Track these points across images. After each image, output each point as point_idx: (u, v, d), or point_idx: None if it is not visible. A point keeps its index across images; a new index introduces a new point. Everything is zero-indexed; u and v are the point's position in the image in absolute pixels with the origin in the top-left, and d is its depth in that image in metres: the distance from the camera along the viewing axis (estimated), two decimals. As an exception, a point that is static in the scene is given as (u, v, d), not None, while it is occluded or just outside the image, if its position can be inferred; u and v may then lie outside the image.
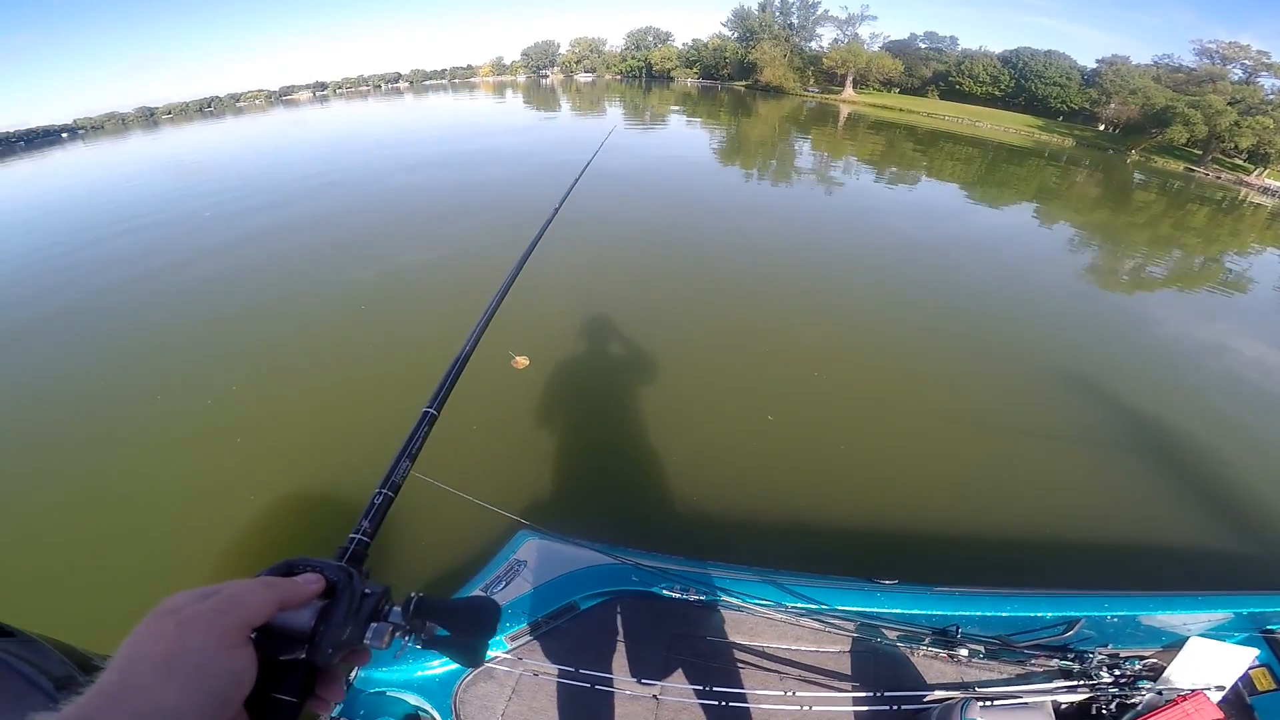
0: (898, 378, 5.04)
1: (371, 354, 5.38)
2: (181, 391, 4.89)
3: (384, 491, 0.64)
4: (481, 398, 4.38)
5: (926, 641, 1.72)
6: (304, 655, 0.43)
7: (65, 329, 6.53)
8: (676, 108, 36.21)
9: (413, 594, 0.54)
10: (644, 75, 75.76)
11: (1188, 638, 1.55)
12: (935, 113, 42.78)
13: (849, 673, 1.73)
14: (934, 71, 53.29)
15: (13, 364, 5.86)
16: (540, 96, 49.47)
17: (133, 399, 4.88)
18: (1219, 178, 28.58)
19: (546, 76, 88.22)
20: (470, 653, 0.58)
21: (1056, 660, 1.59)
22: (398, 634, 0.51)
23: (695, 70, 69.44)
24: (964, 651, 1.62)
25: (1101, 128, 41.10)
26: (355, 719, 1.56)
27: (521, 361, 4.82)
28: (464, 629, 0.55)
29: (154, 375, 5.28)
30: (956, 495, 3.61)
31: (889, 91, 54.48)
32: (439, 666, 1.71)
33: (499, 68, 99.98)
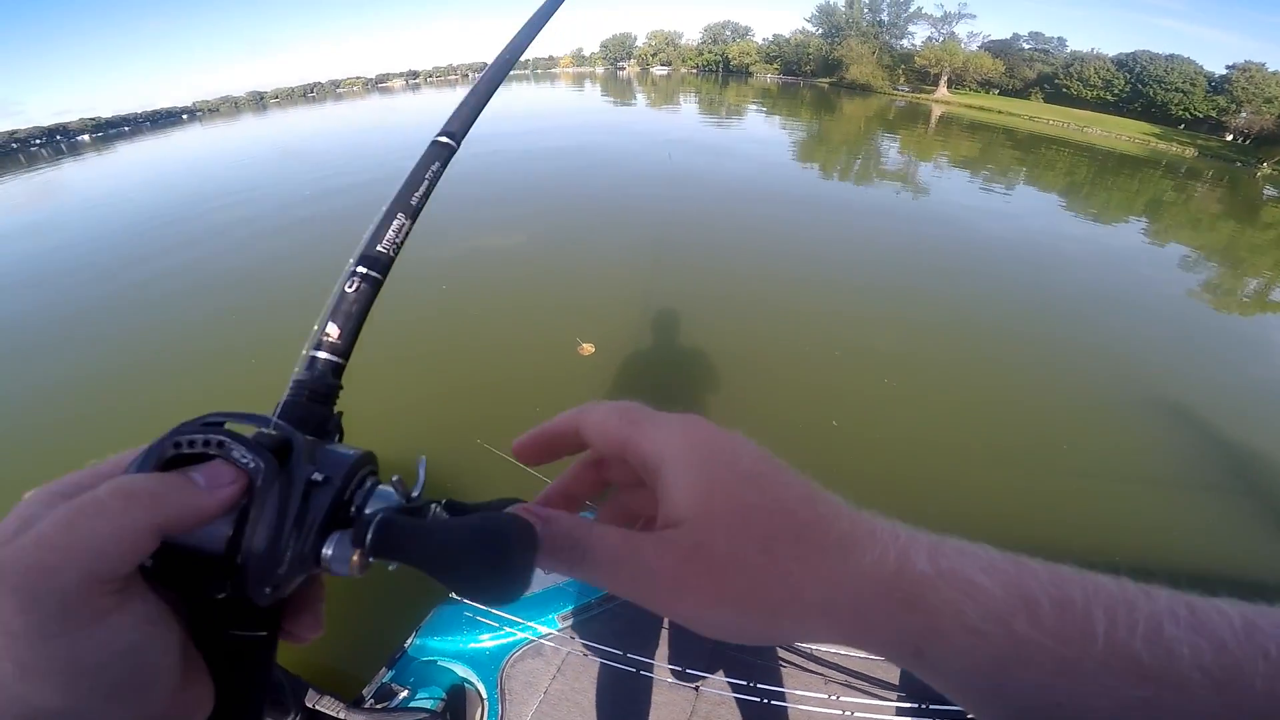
0: (974, 394, 4.78)
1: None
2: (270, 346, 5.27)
3: (360, 271, 0.36)
4: (546, 381, 4.49)
5: None
6: (229, 594, 0.26)
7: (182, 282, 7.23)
8: (755, 103, 35.54)
9: (441, 503, 0.32)
10: (721, 70, 74.81)
11: None
12: (1038, 116, 39.86)
13: (896, 683, 1.68)
14: (1038, 73, 49.80)
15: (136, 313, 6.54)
16: (617, 89, 49.86)
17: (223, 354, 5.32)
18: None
19: (623, 69, 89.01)
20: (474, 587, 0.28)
21: None
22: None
23: (776, 66, 67.87)
24: None
25: (1229, 138, 37.02)
26: (405, 685, 1.60)
27: (588, 349, 4.88)
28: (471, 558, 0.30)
29: (246, 333, 5.73)
30: (1024, 515, 3.46)
31: (987, 93, 51.29)
32: (489, 640, 1.74)
33: (579, 59, 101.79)
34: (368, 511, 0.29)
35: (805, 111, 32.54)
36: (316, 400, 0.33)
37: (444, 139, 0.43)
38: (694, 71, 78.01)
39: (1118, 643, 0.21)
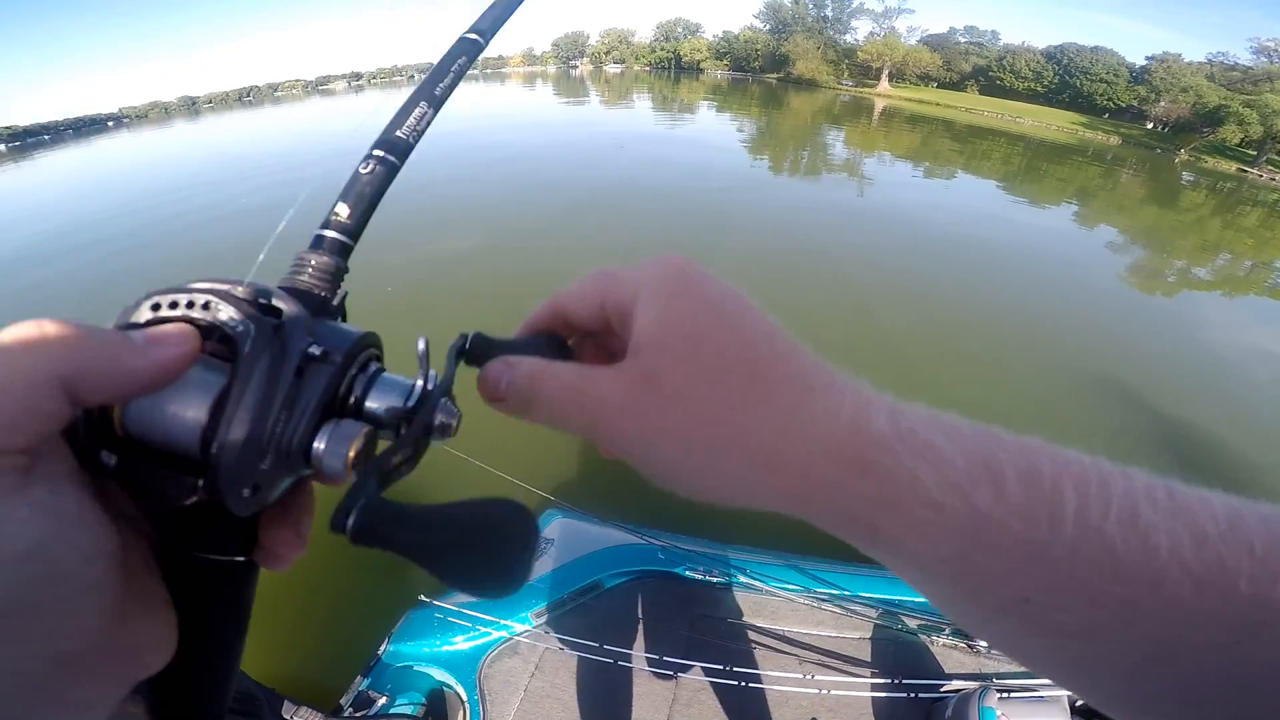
0: (918, 375, 4.95)
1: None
2: None
3: (377, 154, 0.34)
4: None
5: (947, 631, 1.73)
6: (200, 497, 0.21)
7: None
8: (707, 99, 35.91)
9: (466, 334, 0.30)
10: (673, 67, 75.30)
11: None
12: (974, 108, 41.60)
13: (868, 659, 1.74)
14: (974, 66, 51.89)
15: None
16: (570, 88, 49.53)
17: None
18: (1274, 179, 27.23)
19: (576, 67, 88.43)
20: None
21: None
22: (382, 435, 0.25)
23: (726, 62, 68.75)
24: (984, 643, 1.57)
25: (1150, 126, 39.53)
26: (382, 692, 1.57)
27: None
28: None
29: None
30: None
31: (926, 86, 53.16)
32: (464, 642, 1.72)
33: (530, 58, 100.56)
34: (369, 405, 0.25)
35: (755, 107, 33.04)
36: (319, 277, 0.29)
37: (473, 35, 0.41)
38: (647, 69, 78.18)
39: (1089, 525, 0.19)
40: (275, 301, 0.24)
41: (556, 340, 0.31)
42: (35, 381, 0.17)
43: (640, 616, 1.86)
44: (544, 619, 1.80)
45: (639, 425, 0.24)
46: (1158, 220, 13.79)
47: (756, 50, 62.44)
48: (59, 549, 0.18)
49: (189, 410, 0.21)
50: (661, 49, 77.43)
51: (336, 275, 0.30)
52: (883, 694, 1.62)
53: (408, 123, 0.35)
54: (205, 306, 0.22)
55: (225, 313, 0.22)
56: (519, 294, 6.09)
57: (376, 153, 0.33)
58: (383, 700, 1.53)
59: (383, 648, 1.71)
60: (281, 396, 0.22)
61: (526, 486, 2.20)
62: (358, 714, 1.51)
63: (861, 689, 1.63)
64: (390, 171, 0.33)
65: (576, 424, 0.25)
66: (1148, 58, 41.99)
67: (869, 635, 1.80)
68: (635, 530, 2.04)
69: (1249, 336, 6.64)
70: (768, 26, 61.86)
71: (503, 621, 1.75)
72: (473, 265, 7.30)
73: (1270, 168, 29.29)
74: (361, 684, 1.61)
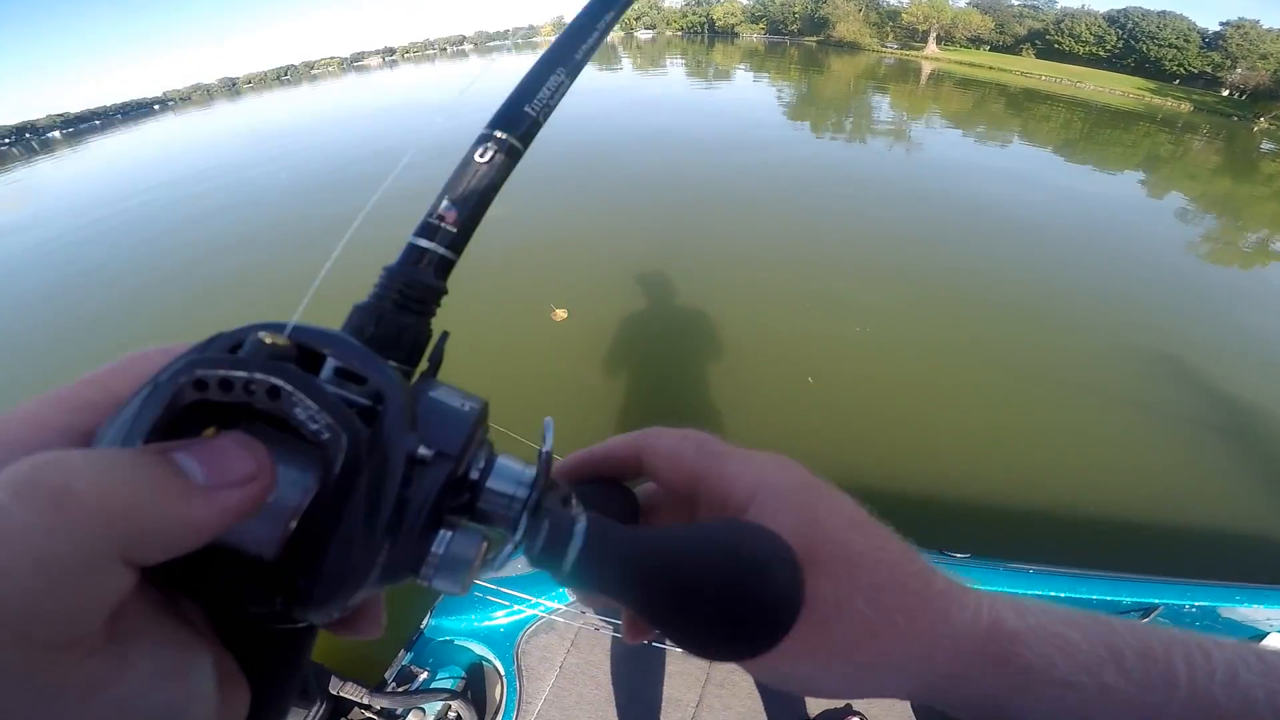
0: (972, 344, 4.73)
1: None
2: None
3: (496, 135, 0.26)
4: (517, 348, 4.44)
5: None
6: (278, 610, 0.18)
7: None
8: (743, 65, 34.72)
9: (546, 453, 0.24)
10: (706, 31, 73.09)
11: (1266, 634, 1.50)
12: (1030, 72, 39.22)
13: None
14: (1029, 30, 48.92)
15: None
16: (600, 55, 48.50)
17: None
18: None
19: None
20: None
21: None
22: (497, 546, 0.22)
23: (761, 26, 66.28)
24: None
25: (1226, 93, 36.73)
26: (424, 666, 1.59)
27: (560, 314, 4.76)
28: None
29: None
30: (1032, 468, 3.41)
31: (977, 49, 50.28)
32: (503, 618, 1.74)
33: (560, 26, 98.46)
34: (483, 504, 0.21)
35: (794, 71, 31.81)
36: (409, 306, 0.23)
37: None
38: (679, 34, 76.10)
39: (1199, 689, 0.22)
40: (369, 378, 0.19)
41: (629, 500, 0.28)
42: (84, 569, 0.14)
43: None
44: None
45: (795, 647, 0.23)
46: (1233, 189, 12.77)
47: (794, 13, 59.99)
48: (179, 701, 0.16)
49: (271, 517, 0.17)
50: (694, 13, 75.16)
51: (430, 303, 0.24)
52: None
53: (539, 95, 0.27)
54: (273, 394, 0.17)
55: (302, 410, 0.17)
56: (537, 261, 6.11)
57: (498, 134, 0.26)
58: (424, 675, 1.55)
59: (425, 622, 1.74)
60: (384, 520, 0.18)
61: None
62: (399, 688, 1.52)
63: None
64: (513, 159, 0.26)
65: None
66: (1222, 23, 39.43)
67: None
68: None
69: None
70: (806, -12, 59.25)
71: (539, 599, 1.75)
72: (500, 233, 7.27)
73: (1361, 133, 26.89)
74: (405, 658, 1.62)
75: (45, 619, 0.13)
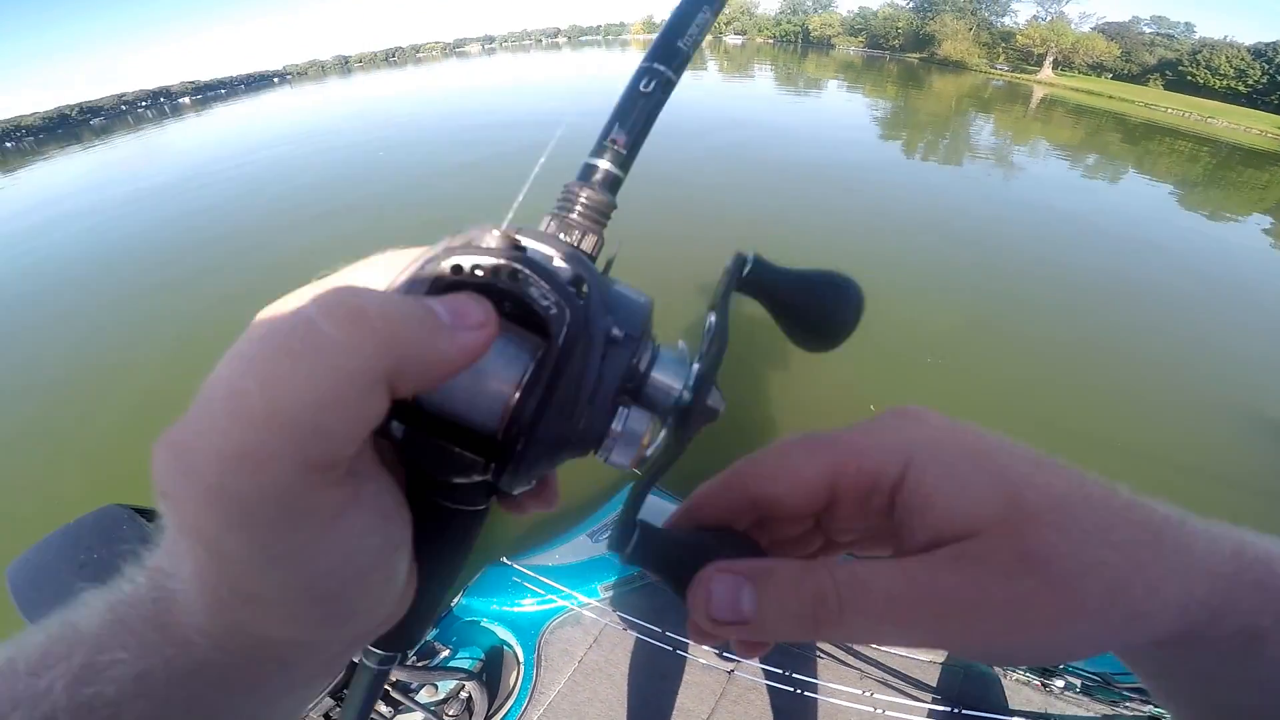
0: (1048, 389, 4.38)
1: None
2: None
3: (655, 68, 0.29)
4: None
5: (1023, 666, 1.60)
6: (488, 476, 0.20)
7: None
8: (837, 78, 33.81)
9: (748, 254, 0.26)
10: (800, 41, 71.73)
11: None
12: (1155, 104, 36.10)
13: (933, 684, 1.63)
14: (1159, 59, 45.18)
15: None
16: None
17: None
18: None
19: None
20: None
21: (1150, 708, 1.49)
22: (664, 429, 0.23)
23: (860, 39, 64.33)
24: (1059, 683, 1.54)
25: (1389, 137, 32.50)
26: (448, 644, 1.62)
27: None
28: (813, 318, 0.27)
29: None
30: None
31: (1098, 76, 46.86)
32: (532, 605, 1.77)
33: (649, 26, 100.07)
34: (650, 389, 0.23)
35: (890, 88, 30.69)
36: (593, 218, 0.27)
37: None
38: (770, 42, 75.09)
39: None
40: (572, 267, 0.22)
41: (746, 541, 0.26)
42: (364, 386, 0.16)
43: None
44: (610, 594, 1.80)
45: (1038, 616, 0.20)
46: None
47: (897, 27, 57.87)
48: (385, 548, 0.18)
49: (494, 390, 0.20)
50: (788, 22, 73.92)
51: (607, 214, 0.27)
52: None
53: (689, 31, 0.29)
54: (513, 277, 0.20)
55: (536, 289, 0.20)
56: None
57: (658, 66, 0.29)
58: (445, 652, 1.57)
59: (456, 600, 1.78)
60: (590, 387, 0.21)
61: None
62: (419, 662, 1.54)
63: (918, 714, 1.53)
64: (667, 89, 0.29)
65: (922, 637, 0.22)
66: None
67: (940, 659, 1.68)
68: None
69: None
70: (911, 4, 57.09)
71: (571, 591, 1.75)
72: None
73: None
74: (430, 633, 1.65)
75: (325, 435, 0.15)
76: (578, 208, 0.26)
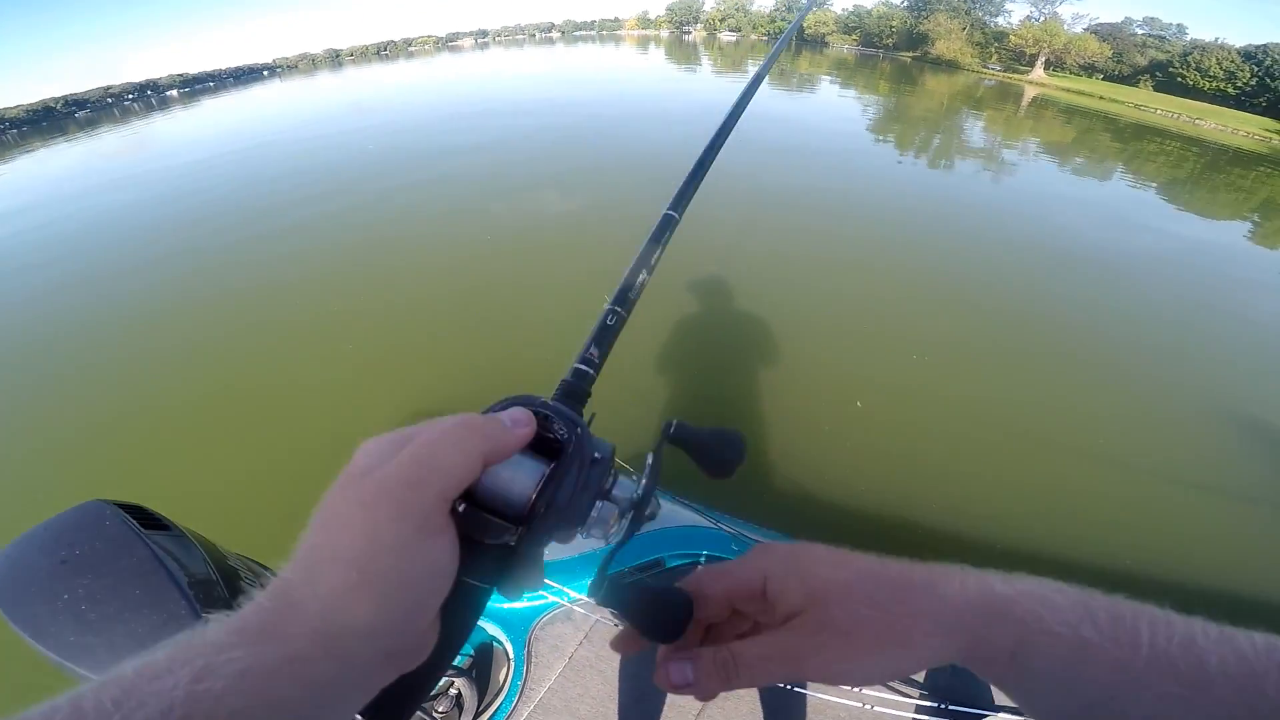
0: (1036, 392, 4.44)
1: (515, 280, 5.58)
2: (323, 300, 5.38)
3: (616, 310, 0.49)
4: (570, 335, 4.43)
5: None
6: (513, 541, 0.31)
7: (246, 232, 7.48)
8: (830, 75, 33.83)
9: (669, 420, 0.41)
10: (794, 38, 71.54)
11: None
12: (1145, 105, 36.36)
13: (920, 678, 1.65)
14: (1150, 60, 45.43)
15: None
16: (680, 53, 48.46)
17: (293, 304, 5.48)
18: None
19: (690, 33, 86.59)
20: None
21: None
22: (623, 519, 0.37)
23: (854, 37, 64.38)
24: None
25: (1375, 140, 32.88)
26: None
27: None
28: (712, 462, 0.42)
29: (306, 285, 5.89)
30: (1082, 523, 3.23)
31: (1089, 77, 47.11)
32: (522, 601, 1.75)
33: (644, 22, 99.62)
34: (614, 494, 0.37)
35: (883, 85, 30.76)
36: (574, 399, 0.42)
37: (671, 212, 0.59)
38: (764, 38, 74.99)
39: (1159, 649, 0.27)
40: (575, 420, 0.36)
41: (683, 597, 0.38)
42: (474, 454, 0.29)
43: None
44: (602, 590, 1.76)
45: (836, 655, 0.32)
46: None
47: (891, 26, 57.95)
48: (446, 570, 0.28)
49: (524, 485, 0.32)
50: (783, 19, 73.82)
51: (585, 397, 0.43)
52: (925, 716, 1.55)
53: (635, 284, 0.51)
54: (545, 421, 0.34)
55: (557, 426, 0.34)
56: (591, 254, 6.09)
57: (616, 308, 0.48)
58: None
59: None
60: (582, 483, 0.33)
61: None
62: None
63: (905, 709, 1.55)
64: (621, 322, 0.48)
65: (779, 673, 0.33)
66: (1385, 64, 35.05)
67: None
68: (707, 513, 1.97)
69: None
70: (905, 2, 57.15)
71: (562, 587, 1.73)
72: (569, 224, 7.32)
73: None
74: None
75: (454, 479, 0.28)
76: (573, 391, 0.42)
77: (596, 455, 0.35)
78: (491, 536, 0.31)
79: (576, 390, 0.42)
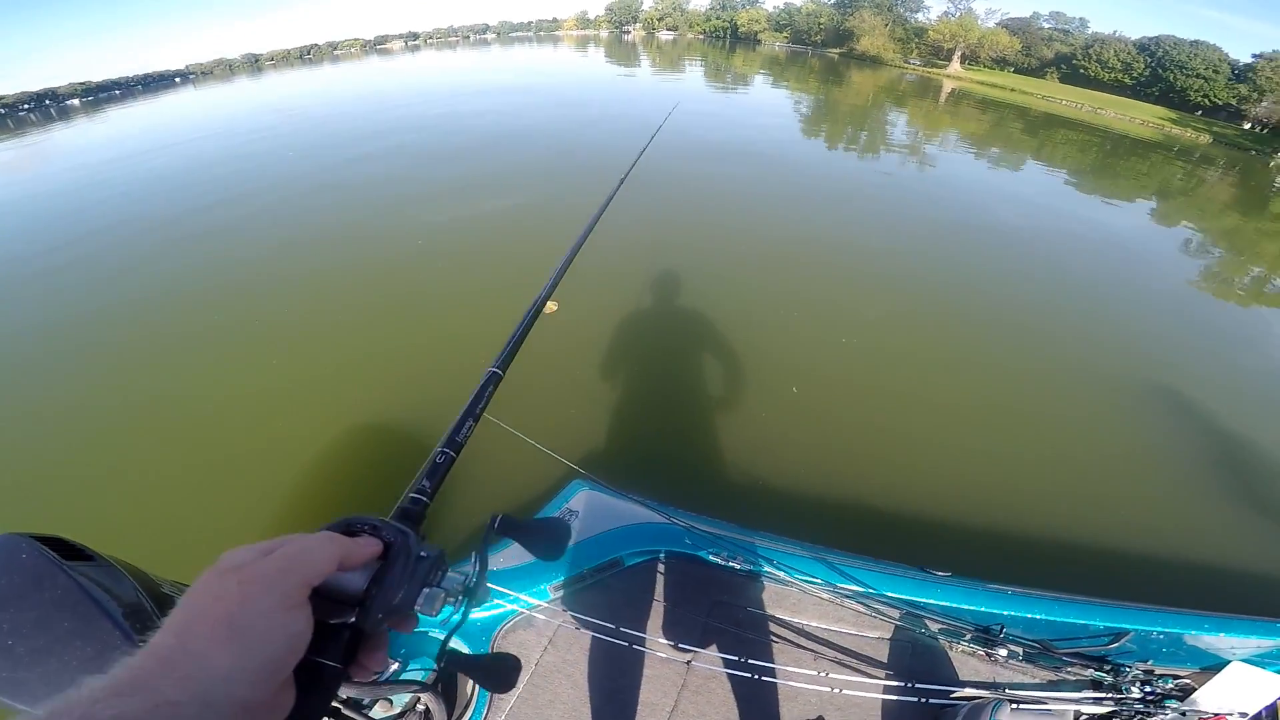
0: (960, 362, 4.77)
1: (437, 304, 5.52)
2: (239, 334, 5.14)
3: (445, 451, 0.60)
4: (532, 345, 4.45)
5: (967, 638, 1.66)
6: (353, 619, 0.40)
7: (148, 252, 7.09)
8: (762, 72, 34.64)
9: (495, 515, 0.54)
10: (728, 36, 73.08)
11: (1229, 661, 1.49)
12: (1052, 96, 38.95)
13: (884, 660, 1.69)
14: (1056, 53, 48.71)
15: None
16: (620, 53, 48.47)
17: (202, 336, 5.22)
18: (1388, 190, 24.68)
19: (629, 33, 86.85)
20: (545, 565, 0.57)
21: (1091, 670, 1.55)
22: (449, 600, 0.48)
23: (785, 34, 66.16)
24: (1003, 652, 1.60)
25: (1247, 126, 36.40)
26: (396, 657, 1.56)
27: (551, 307, 4.77)
28: (541, 547, 0.57)
29: (218, 314, 5.65)
30: (1015, 491, 3.46)
31: (1001, 70, 50.05)
32: (480, 611, 1.73)
33: (583, 22, 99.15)
34: (444, 585, 0.48)
35: (813, 81, 31.74)
36: (409, 519, 0.53)
37: (496, 369, 0.72)
38: (701, 37, 76.04)
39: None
40: (404, 529, 0.46)
41: (517, 661, 0.60)
42: (332, 558, 0.38)
43: (658, 598, 1.81)
44: (561, 594, 1.77)
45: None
46: (1241, 225, 12.67)
47: (819, 24, 59.84)
48: (300, 639, 0.36)
49: (361, 577, 0.42)
50: (717, 18, 75.06)
51: (420, 520, 0.54)
52: (894, 697, 1.58)
53: (462, 432, 0.62)
54: (374, 528, 0.45)
55: (387, 532, 0.45)
56: (529, 252, 6.05)
57: (447, 450, 0.60)
58: (395, 665, 1.50)
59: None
60: (408, 576, 0.44)
61: (555, 456, 2.15)
62: (367, 681, 1.50)
63: (873, 690, 1.59)
64: (451, 463, 0.59)
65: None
66: (1254, 55, 38.86)
67: (889, 636, 1.74)
68: (661, 509, 1.98)
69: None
70: (833, 0, 59.12)
71: (519, 594, 1.72)
72: (502, 223, 7.29)
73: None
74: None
75: (315, 572, 0.38)
76: (408, 513, 0.53)
77: (423, 554, 0.45)
78: (335, 616, 0.40)
79: (411, 513, 0.53)
